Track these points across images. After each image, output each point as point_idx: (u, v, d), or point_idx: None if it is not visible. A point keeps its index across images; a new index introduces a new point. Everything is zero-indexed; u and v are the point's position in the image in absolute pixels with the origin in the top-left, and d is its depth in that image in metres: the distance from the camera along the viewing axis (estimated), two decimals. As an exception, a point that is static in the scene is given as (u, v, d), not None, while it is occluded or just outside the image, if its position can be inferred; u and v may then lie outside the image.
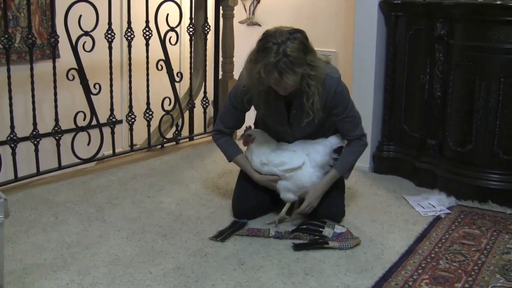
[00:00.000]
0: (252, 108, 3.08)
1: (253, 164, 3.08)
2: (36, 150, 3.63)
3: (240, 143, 3.19)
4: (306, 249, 2.85)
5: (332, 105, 2.89)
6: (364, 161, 4.00)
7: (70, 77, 3.74)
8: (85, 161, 3.92)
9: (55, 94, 3.68)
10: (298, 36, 2.70)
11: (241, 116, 3.11)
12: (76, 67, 3.75)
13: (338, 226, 2.99)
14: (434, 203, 3.46)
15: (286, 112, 2.96)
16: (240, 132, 3.24)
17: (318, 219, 3.04)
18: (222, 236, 2.95)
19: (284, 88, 2.77)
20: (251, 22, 5.60)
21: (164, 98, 4.35)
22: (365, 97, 3.94)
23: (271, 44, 2.66)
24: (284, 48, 2.64)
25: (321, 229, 2.97)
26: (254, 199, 3.16)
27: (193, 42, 4.57)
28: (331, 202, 3.08)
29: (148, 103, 4.26)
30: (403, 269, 2.69)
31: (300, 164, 2.99)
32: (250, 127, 3.18)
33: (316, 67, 2.75)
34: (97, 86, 3.87)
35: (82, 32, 3.72)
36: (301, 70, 2.70)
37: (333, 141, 3.05)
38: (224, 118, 3.12)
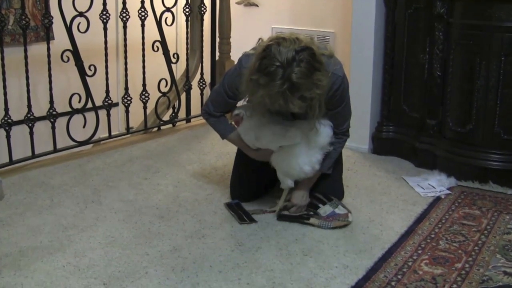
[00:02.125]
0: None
1: (246, 141, 2.98)
2: (31, 133, 3.61)
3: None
4: (288, 221, 2.92)
5: (331, 102, 2.80)
6: (363, 142, 4.00)
7: (65, 58, 3.72)
8: (81, 143, 3.91)
9: (50, 76, 3.66)
10: (304, 57, 2.50)
11: (234, 103, 2.98)
12: (71, 48, 3.74)
13: (341, 207, 2.99)
14: (434, 184, 3.46)
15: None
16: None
17: (325, 195, 3.04)
18: (247, 216, 2.97)
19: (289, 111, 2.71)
20: (248, 2, 5.58)
21: (161, 80, 4.33)
22: (363, 77, 3.93)
23: (275, 67, 2.47)
24: (290, 74, 2.46)
25: (319, 205, 2.97)
26: (253, 181, 3.15)
27: (189, 22, 4.54)
28: (330, 183, 3.07)
29: (144, 85, 4.24)
30: (403, 250, 2.69)
31: (297, 141, 2.88)
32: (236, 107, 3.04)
33: (322, 86, 2.58)
34: (92, 68, 3.85)
35: (77, 13, 3.69)
36: (308, 94, 2.56)
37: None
38: (215, 102, 2.99)
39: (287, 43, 2.52)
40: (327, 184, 3.06)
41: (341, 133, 2.95)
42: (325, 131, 2.88)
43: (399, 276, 2.47)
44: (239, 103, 3.01)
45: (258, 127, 2.92)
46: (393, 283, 2.42)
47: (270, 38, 2.60)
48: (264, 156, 2.99)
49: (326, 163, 2.97)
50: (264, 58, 2.52)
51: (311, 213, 2.96)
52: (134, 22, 4.07)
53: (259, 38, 2.67)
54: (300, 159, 2.88)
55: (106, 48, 3.97)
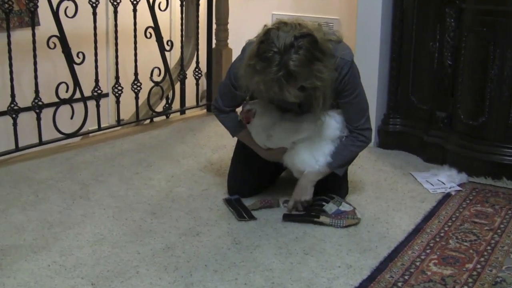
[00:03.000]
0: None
1: (257, 141, 3.01)
2: (15, 125, 3.60)
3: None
4: (294, 221, 2.89)
5: (340, 89, 2.80)
6: (369, 135, 4.00)
7: (51, 45, 3.71)
8: (68, 136, 3.90)
9: (35, 64, 3.65)
10: (303, 44, 2.50)
11: (242, 96, 2.96)
12: (58, 34, 3.72)
13: (346, 204, 2.98)
14: (444, 180, 3.45)
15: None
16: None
17: (326, 194, 3.02)
18: (246, 213, 2.96)
19: (286, 101, 2.69)
20: (247, -13, 5.57)
21: (154, 69, 4.32)
22: (369, 67, 3.91)
23: (272, 53, 2.49)
24: (287, 61, 2.48)
25: (324, 203, 2.96)
26: (252, 175, 3.15)
27: (184, 7, 4.54)
28: (333, 178, 3.06)
29: (136, 74, 4.23)
30: (410, 249, 2.69)
31: (308, 134, 2.91)
32: (247, 100, 3.05)
33: (323, 79, 2.58)
34: (80, 55, 3.84)
35: (64, -4, 3.69)
36: (307, 84, 2.57)
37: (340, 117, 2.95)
38: (224, 96, 3.00)
39: (287, 28, 2.53)
40: (330, 179, 3.05)
41: (357, 131, 2.92)
42: (331, 123, 2.89)
43: (406, 277, 2.47)
44: (250, 100, 3.02)
45: (269, 126, 2.96)
46: (399, 284, 2.41)
47: (273, 23, 2.61)
48: (275, 156, 3.02)
49: (337, 159, 2.94)
50: (262, 43, 2.54)
51: (319, 211, 2.96)
52: (125, 6, 4.06)
53: (264, 25, 2.67)
54: (314, 151, 2.93)
55: (95, 35, 3.95)
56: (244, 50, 2.79)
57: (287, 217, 2.93)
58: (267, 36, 2.54)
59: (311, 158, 2.94)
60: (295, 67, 2.49)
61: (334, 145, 2.94)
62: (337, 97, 2.83)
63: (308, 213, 2.94)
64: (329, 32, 2.73)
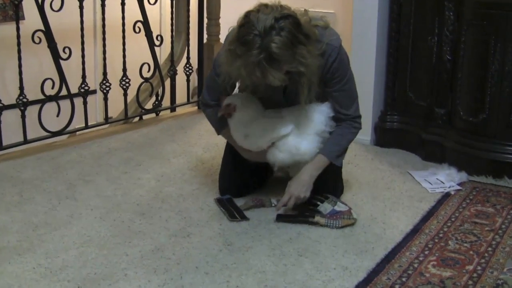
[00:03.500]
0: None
1: (236, 138, 2.99)
2: (-2, 122, 3.61)
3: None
4: (288, 222, 2.89)
5: (328, 76, 2.80)
6: (365, 133, 3.98)
7: (36, 40, 3.70)
8: (54, 134, 3.90)
9: (20, 59, 3.64)
10: (285, 26, 2.49)
11: (226, 86, 2.94)
12: (43, 28, 3.71)
13: (341, 204, 2.98)
14: (443, 179, 3.46)
15: (282, 91, 2.89)
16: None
17: (320, 193, 3.01)
18: (238, 213, 2.96)
19: (271, 86, 2.68)
20: (239, -20, 5.56)
21: (143, 64, 4.32)
22: (366, 62, 3.92)
23: (252, 35, 2.47)
24: (268, 43, 2.46)
25: (318, 203, 2.96)
26: (243, 175, 3.14)
27: (174, 1, 4.53)
28: (328, 177, 3.05)
29: (124, 70, 4.23)
30: (408, 250, 2.69)
31: (288, 131, 2.89)
32: (223, 96, 2.99)
33: (307, 65, 2.58)
34: (67, 50, 3.84)
35: (49, -11, 3.69)
36: (289, 67, 2.56)
37: (329, 108, 2.92)
38: (209, 88, 3.01)
39: (268, 10, 2.53)
40: (325, 178, 3.04)
41: (349, 119, 2.92)
42: (316, 117, 2.88)
43: (404, 279, 2.47)
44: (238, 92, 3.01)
45: (248, 122, 2.93)
46: (397, 287, 2.41)
47: (254, 6, 2.60)
48: (258, 156, 3.00)
49: (335, 149, 2.93)
50: (242, 26, 2.53)
51: (314, 211, 2.96)
52: (113, 0, 4.05)
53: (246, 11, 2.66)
54: (299, 144, 2.90)
55: (82, 29, 3.95)
56: (227, 37, 2.77)
57: (281, 218, 2.93)
58: (246, 20, 2.53)
59: (294, 149, 2.90)
60: (277, 49, 2.47)
61: (320, 140, 2.91)
62: (325, 85, 2.82)
63: (302, 213, 2.94)
64: (315, 17, 2.72)
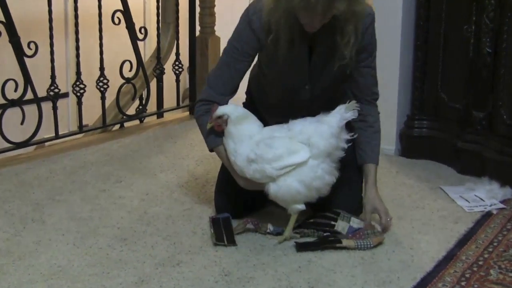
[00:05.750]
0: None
1: (234, 162, 2.95)
2: (-48, 132, 3.63)
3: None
4: (311, 250, 2.87)
5: (362, 46, 2.94)
6: (389, 141, 4.00)
7: (-4, 33, 3.73)
8: (18, 145, 3.91)
9: (-23, 56, 3.68)
10: None
11: (245, 68, 3.05)
12: (3, 20, 3.73)
13: (355, 219, 3.00)
14: (483, 196, 3.47)
15: (309, 56, 2.96)
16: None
17: (330, 210, 3.03)
18: (226, 238, 2.96)
19: (312, 26, 2.79)
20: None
21: (124, 62, 4.34)
22: (389, 57, 3.94)
23: None
24: None
25: (333, 223, 2.97)
26: (242, 191, 3.13)
27: (160, -13, 4.57)
28: (345, 193, 3.07)
29: (101, 69, 4.25)
30: (440, 281, 2.69)
31: (306, 158, 2.86)
32: (215, 105, 2.98)
33: (357, 12, 2.79)
34: (32, 46, 3.85)
35: (11, -26, 3.71)
36: (340, 6, 2.70)
37: (339, 116, 2.89)
38: (220, 75, 3.04)
39: None
40: (340, 195, 3.05)
41: (373, 100, 3.12)
42: (328, 131, 2.86)
43: (436, 314, 2.48)
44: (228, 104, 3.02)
45: (249, 144, 2.90)
46: (427, 324, 2.42)
47: None
48: (257, 185, 2.97)
49: (372, 153, 3.11)
50: None
51: (327, 233, 2.97)
52: (88, -14, 4.09)
53: None
54: (304, 175, 2.88)
55: (50, 20, 3.97)
56: (247, 10, 2.95)
57: (302, 247, 2.90)
58: None
59: (300, 188, 2.87)
60: None
61: (331, 161, 2.90)
62: (356, 58, 2.94)
63: (324, 239, 2.94)
64: None
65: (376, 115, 3.13)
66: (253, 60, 3.06)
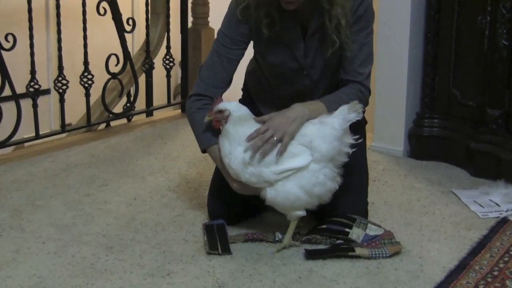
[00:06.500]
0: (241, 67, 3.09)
1: (228, 165, 2.94)
2: None
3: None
4: (322, 258, 2.87)
5: (354, 18, 2.94)
6: (396, 141, 4.01)
7: (-30, 25, 3.73)
8: (-5, 146, 3.92)
9: (-50, 50, 3.68)
10: None
11: (238, 57, 3.06)
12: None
13: (372, 226, 3.00)
14: (498, 200, 3.47)
15: (302, 39, 2.98)
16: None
17: (345, 216, 3.03)
18: (220, 246, 2.95)
19: (287, 1, 2.80)
20: None
21: (110, 56, 4.34)
22: (397, 50, 3.95)
23: None
24: None
25: (347, 230, 2.98)
26: (238, 196, 3.13)
27: (150, -26, 4.57)
28: (350, 198, 3.07)
29: (86, 63, 4.25)
30: (452, 292, 2.70)
31: (307, 162, 2.87)
32: (219, 98, 3.00)
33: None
34: (10, 38, 3.85)
35: (-12, -40, 3.72)
36: None
37: (342, 117, 2.88)
38: (212, 66, 3.07)
39: None
40: (345, 200, 3.05)
41: (359, 83, 3.02)
42: (331, 133, 2.85)
43: (447, 329, 2.48)
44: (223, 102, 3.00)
45: (246, 145, 2.90)
46: None
47: None
48: (252, 189, 2.97)
49: (334, 102, 2.96)
50: None
51: (340, 241, 2.97)
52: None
53: None
54: (304, 180, 2.87)
55: (30, 10, 3.96)
56: None
57: (312, 254, 2.90)
58: None
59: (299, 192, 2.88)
60: None
61: (333, 166, 2.89)
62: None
63: (336, 246, 2.94)
64: None
65: (349, 87, 3.02)
66: (245, 49, 3.07)
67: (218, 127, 2.94)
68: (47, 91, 4.94)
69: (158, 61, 4.74)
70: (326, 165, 2.86)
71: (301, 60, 3.03)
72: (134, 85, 4.57)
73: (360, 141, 2.93)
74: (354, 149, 2.90)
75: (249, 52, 3.10)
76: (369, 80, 3.06)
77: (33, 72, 4.02)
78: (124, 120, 4.58)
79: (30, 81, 4.01)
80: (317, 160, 2.84)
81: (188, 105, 3.10)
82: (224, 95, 3.06)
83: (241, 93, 3.37)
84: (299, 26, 2.96)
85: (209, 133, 3.03)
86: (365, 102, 3.04)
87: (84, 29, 4.21)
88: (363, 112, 2.96)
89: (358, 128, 2.99)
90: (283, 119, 2.87)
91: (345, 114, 2.85)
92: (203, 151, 3.09)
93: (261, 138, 2.84)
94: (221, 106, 2.91)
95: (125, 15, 4.43)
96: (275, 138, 2.83)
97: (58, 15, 4.13)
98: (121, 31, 4.40)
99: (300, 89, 3.08)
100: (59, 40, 4.14)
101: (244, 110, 2.96)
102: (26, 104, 3.99)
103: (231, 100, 3.07)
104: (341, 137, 2.85)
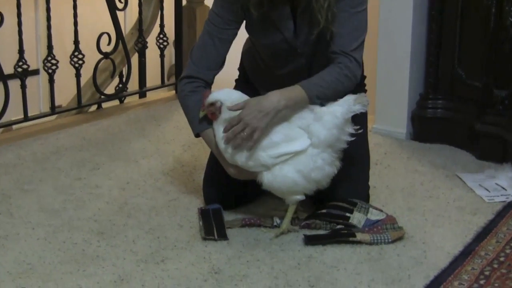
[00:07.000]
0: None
1: (224, 149, 2.95)
2: None
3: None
4: (322, 244, 2.88)
5: None
6: (399, 123, 4.01)
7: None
8: (-18, 129, 3.92)
9: None
10: None
11: (231, 37, 3.06)
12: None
13: (374, 211, 3.01)
14: (505, 184, 3.48)
15: (291, 18, 2.98)
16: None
17: (345, 200, 3.05)
18: (216, 231, 2.96)
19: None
20: None
21: (101, 35, 4.33)
22: (400, 29, 3.95)
23: None
24: None
25: (348, 215, 2.99)
26: (234, 180, 3.14)
27: (142, -51, 4.57)
28: (350, 182, 3.08)
29: (76, 42, 4.24)
30: (456, 279, 2.69)
31: (305, 146, 2.88)
32: (207, 90, 3.02)
33: None
34: (-3, 16, 3.86)
35: None
36: None
37: (347, 107, 2.87)
38: (203, 46, 3.07)
39: None
40: (345, 184, 3.06)
41: (345, 55, 2.95)
42: (331, 121, 2.85)
43: (451, 317, 2.49)
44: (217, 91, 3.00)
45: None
46: (441, 327, 2.43)
47: None
48: (249, 174, 2.99)
49: (315, 84, 2.93)
50: None
51: (341, 226, 2.99)
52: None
53: None
54: (302, 164, 2.89)
55: (18, -13, 3.97)
56: None
57: (311, 240, 2.91)
58: None
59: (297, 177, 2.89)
60: None
61: (332, 152, 2.90)
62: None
63: (336, 232, 2.95)
64: None
65: (336, 67, 2.95)
66: (238, 29, 3.07)
67: (215, 119, 2.94)
68: (36, 72, 4.93)
69: (151, 40, 4.73)
70: (324, 150, 2.87)
71: (291, 41, 3.02)
72: (126, 65, 4.57)
73: (360, 131, 2.91)
74: (353, 138, 2.90)
75: (245, 32, 3.11)
76: (360, 52, 2.99)
77: (21, 51, 4.01)
78: (117, 102, 4.58)
79: (18, 61, 4.00)
80: (316, 144, 2.86)
81: (180, 88, 3.11)
82: (221, 75, 3.07)
83: (237, 72, 3.37)
84: (288, 5, 2.95)
85: (201, 119, 3.04)
86: (352, 77, 2.96)
87: (74, 7, 4.20)
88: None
89: (361, 115, 2.97)
90: (255, 112, 2.84)
91: (350, 104, 2.85)
92: (197, 135, 3.10)
93: (233, 132, 2.85)
94: (211, 98, 2.92)
95: (117, -8, 4.43)
96: (245, 134, 2.83)
97: (47, -8, 4.15)
98: (112, 8, 4.39)
99: (297, 67, 3.08)
100: (48, 18, 4.13)
101: (235, 96, 2.96)
102: (14, 84, 3.99)
103: (229, 80, 3.09)
104: (342, 126, 2.85)
